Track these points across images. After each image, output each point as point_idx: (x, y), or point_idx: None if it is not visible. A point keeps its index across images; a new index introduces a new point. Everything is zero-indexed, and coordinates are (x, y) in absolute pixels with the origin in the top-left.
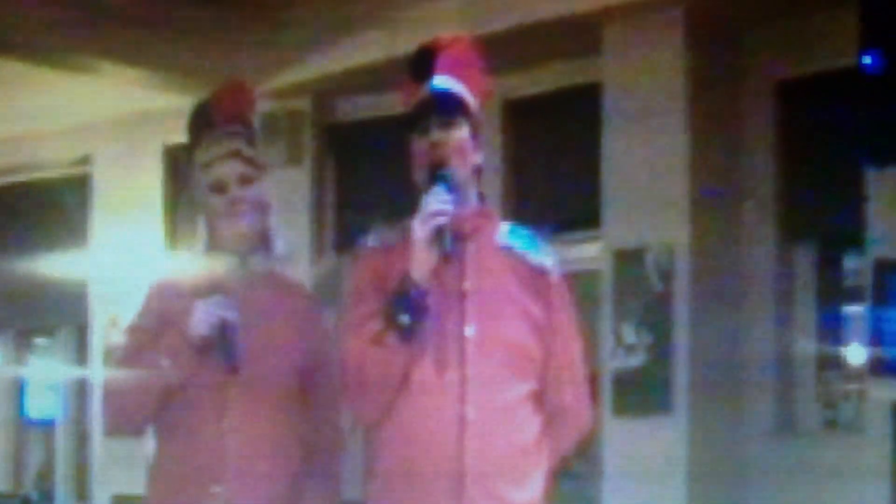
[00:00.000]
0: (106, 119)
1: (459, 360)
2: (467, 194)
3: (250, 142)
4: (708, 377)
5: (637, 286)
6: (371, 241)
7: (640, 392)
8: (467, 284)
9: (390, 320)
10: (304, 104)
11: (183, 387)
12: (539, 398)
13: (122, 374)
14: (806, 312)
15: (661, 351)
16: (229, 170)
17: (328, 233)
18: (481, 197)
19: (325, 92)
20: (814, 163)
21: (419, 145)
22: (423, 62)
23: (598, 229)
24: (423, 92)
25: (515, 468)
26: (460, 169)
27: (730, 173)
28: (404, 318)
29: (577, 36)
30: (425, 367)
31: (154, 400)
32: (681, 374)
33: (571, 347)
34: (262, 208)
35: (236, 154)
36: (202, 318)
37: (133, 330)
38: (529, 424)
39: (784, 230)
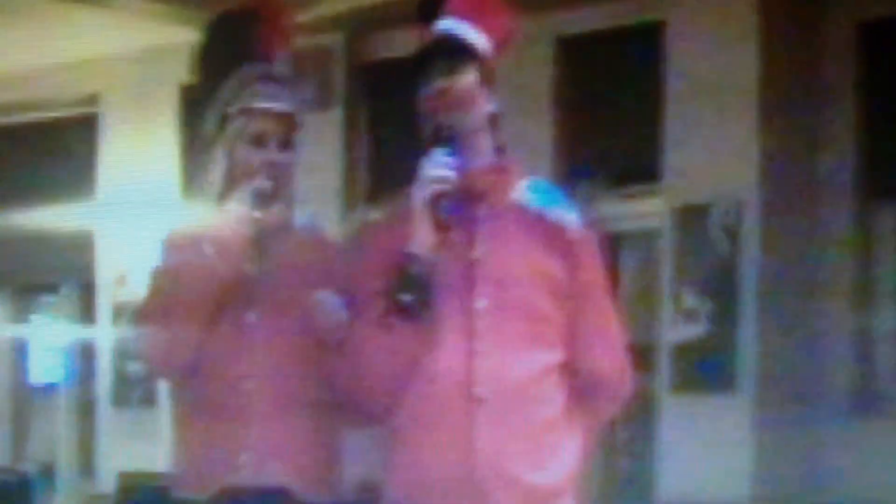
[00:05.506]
0: (116, 55)
1: (469, 335)
2: (478, 148)
3: (293, 89)
4: (777, 350)
5: (700, 247)
6: (375, 215)
7: (702, 366)
8: (476, 252)
9: (391, 301)
10: (335, 40)
11: (213, 335)
12: (566, 368)
13: (161, 299)
14: (887, 277)
15: (725, 320)
16: (273, 127)
17: (360, 184)
18: (499, 150)
19: (359, 27)
20: None
21: (422, 94)
22: (430, 3)
23: (658, 182)
24: (430, 35)
25: (535, 448)
26: (467, 119)
27: (806, 123)
28: (405, 297)
29: None
30: (432, 346)
31: (203, 311)
32: (747, 347)
33: (602, 308)
34: (292, 174)
35: (287, 115)
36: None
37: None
38: (553, 398)
39: (864, 187)
